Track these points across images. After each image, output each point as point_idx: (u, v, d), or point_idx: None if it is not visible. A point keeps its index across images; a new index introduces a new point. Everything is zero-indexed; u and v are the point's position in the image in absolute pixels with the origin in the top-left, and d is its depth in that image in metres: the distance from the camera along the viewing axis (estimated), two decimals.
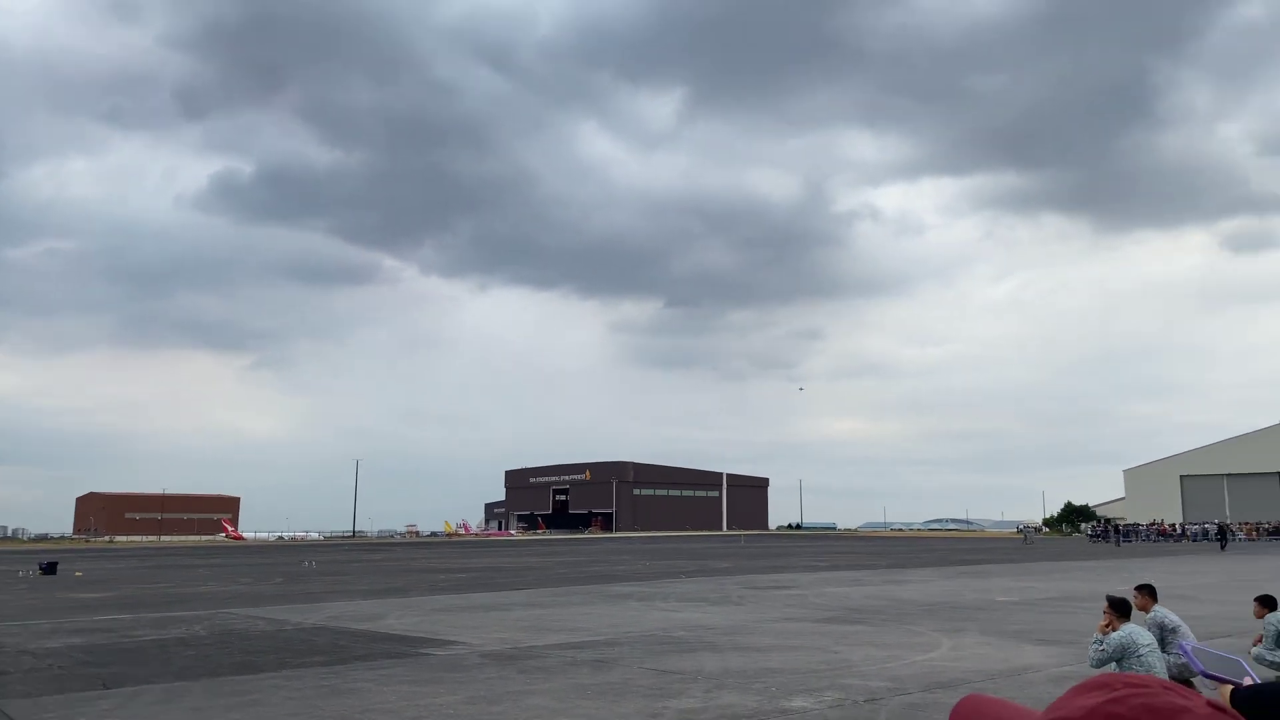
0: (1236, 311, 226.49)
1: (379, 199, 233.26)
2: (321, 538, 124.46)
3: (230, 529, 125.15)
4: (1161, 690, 0.96)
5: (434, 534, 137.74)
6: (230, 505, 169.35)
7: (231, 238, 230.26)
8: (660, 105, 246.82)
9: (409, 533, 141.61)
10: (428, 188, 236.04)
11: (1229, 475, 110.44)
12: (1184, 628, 10.16)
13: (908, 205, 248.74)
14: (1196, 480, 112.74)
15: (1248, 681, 2.44)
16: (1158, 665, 8.35)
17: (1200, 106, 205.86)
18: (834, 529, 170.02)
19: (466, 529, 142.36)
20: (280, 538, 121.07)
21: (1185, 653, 7.69)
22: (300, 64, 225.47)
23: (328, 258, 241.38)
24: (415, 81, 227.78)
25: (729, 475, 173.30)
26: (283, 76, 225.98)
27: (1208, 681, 6.49)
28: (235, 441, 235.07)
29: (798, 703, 10.70)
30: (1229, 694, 2.88)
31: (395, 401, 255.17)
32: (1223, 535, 72.58)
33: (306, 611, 21.93)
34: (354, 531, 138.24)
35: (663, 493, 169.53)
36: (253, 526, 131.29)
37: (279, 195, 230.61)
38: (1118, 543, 79.95)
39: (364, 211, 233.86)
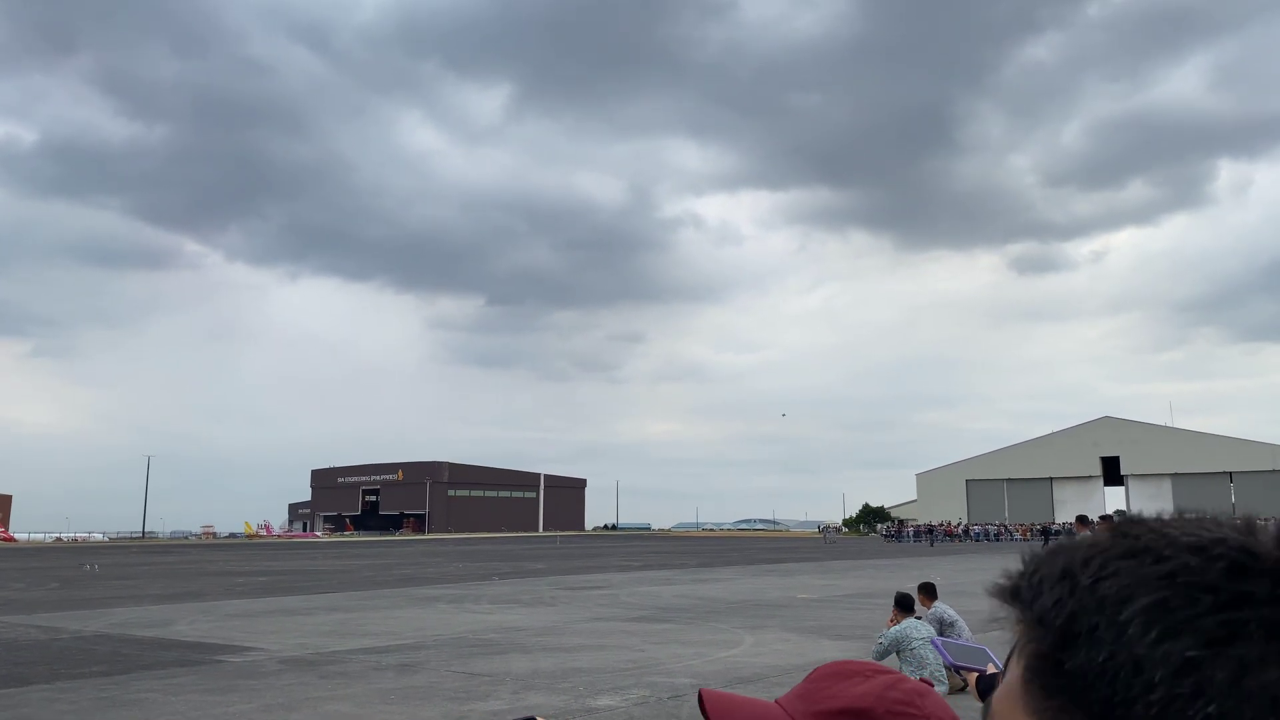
0: (1018, 328, 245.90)
1: (182, 178, 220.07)
2: (107, 539, 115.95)
3: (1, 529, 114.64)
4: (899, 677, 1.10)
5: (233, 535, 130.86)
6: (1, 504, 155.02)
7: (9, 212, 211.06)
8: (487, 100, 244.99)
9: (205, 534, 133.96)
10: (236, 169, 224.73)
11: (1008, 480, 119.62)
12: (960, 622, 10.95)
13: (727, 215, 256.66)
14: (980, 484, 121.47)
15: (991, 669, 2.71)
16: (930, 657, 9.00)
17: (994, 137, 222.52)
18: (649, 529, 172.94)
19: (269, 530, 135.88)
20: (59, 539, 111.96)
21: (936, 646, 8.35)
22: (94, 27, 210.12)
23: (122, 239, 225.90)
24: (225, 57, 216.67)
25: (546, 476, 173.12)
26: (74, 38, 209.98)
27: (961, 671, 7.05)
28: (9, 434, 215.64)
29: (604, 701, 10.85)
30: (974, 680, 3.16)
31: (193, 395, 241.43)
32: (1045, 535, 78.31)
33: (86, 618, 20.40)
34: (144, 533, 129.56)
35: (479, 493, 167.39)
36: (27, 527, 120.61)
37: (68, 168, 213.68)
38: (931, 543, 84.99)
39: (165, 191, 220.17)
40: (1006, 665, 0.69)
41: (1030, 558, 0.71)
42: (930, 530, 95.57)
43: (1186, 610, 0.60)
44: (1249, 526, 0.66)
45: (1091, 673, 0.61)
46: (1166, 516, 0.69)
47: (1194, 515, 0.69)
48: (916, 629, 9.40)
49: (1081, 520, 15.63)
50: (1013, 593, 0.69)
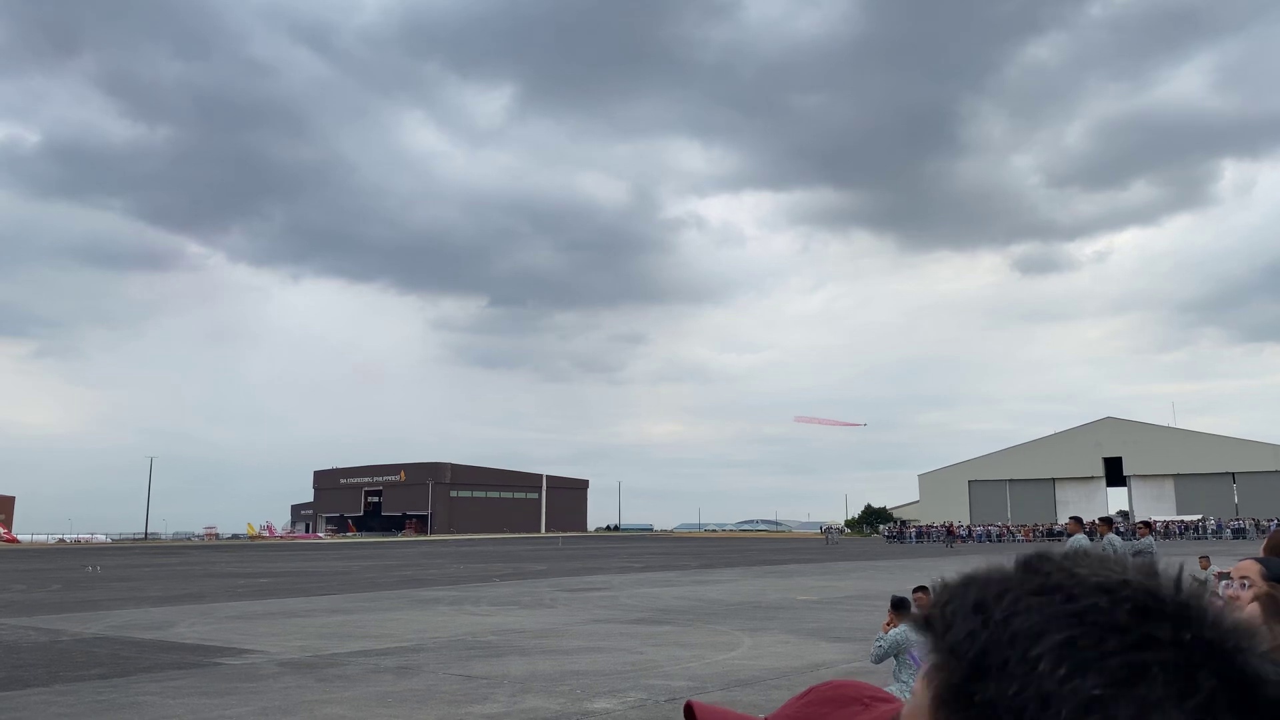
0: (1021, 329, 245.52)
1: (184, 180, 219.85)
2: (109, 540, 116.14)
3: (3, 530, 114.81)
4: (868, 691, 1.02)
5: (235, 536, 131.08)
6: (4, 505, 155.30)
7: (12, 213, 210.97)
8: (490, 101, 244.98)
9: (208, 535, 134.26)
10: (238, 171, 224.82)
11: (1010, 481, 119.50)
12: None
13: (730, 216, 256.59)
14: (982, 485, 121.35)
15: None
16: None
17: (997, 137, 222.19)
18: (651, 530, 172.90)
19: (271, 531, 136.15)
20: (61, 540, 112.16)
21: (914, 660, 8.33)
22: (97, 28, 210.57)
23: (125, 240, 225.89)
24: (227, 58, 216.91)
25: (549, 477, 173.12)
26: (77, 40, 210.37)
27: None
28: (11, 436, 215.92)
29: (601, 704, 10.85)
30: None
31: (196, 397, 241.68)
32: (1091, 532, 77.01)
33: (87, 620, 20.44)
34: (146, 534, 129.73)
35: (481, 494, 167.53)
36: (30, 529, 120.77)
37: (71, 170, 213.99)
38: (949, 544, 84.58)
39: (167, 192, 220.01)
40: (917, 688, 0.70)
41: (943, 587, 0.72)
42: (948, 531, 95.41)
43: (1094, 649, 0.62)
44: (1150, 569, 0.67)
45: (1000, 706, 0.63)
46: (1072, 554, 0.71)
47: (1098, 556, 0.70)
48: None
49: (1076, 521, 15.53)
50: (925, 622, 0.70)
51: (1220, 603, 0.65)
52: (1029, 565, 0.70)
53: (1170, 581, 0.66)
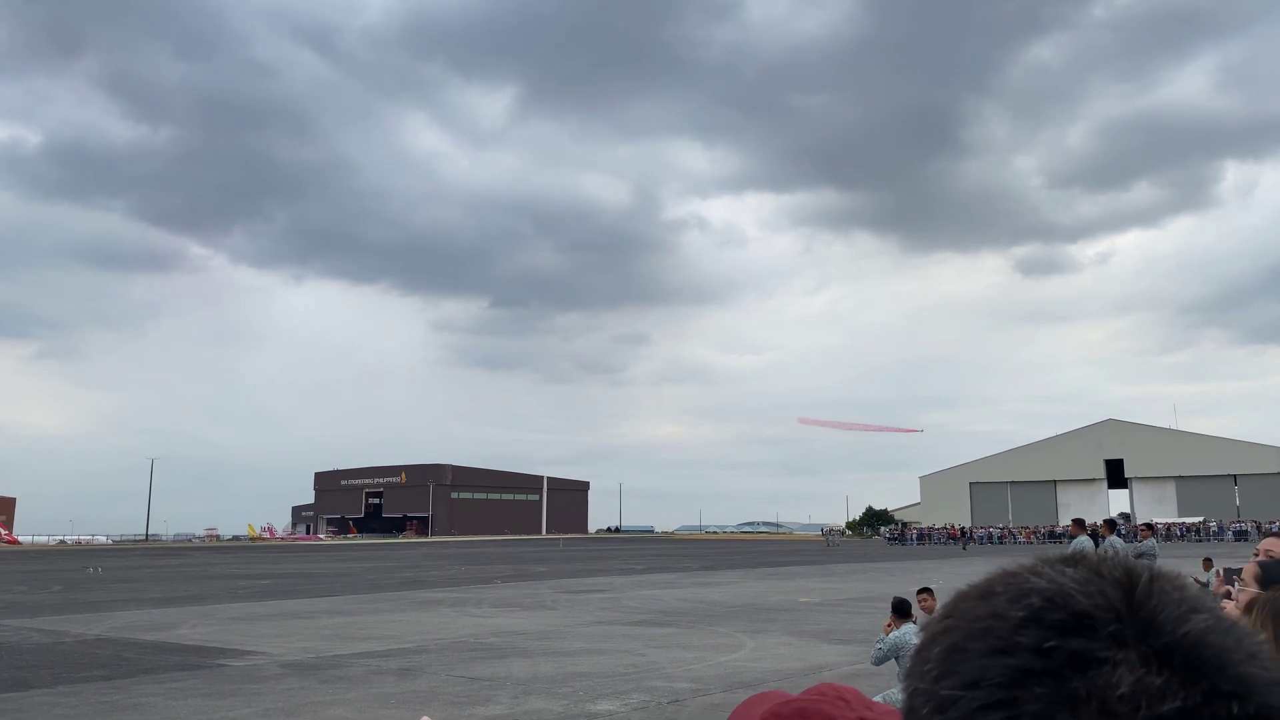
0: (1022, 330, 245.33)
1: (186, 181, 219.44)
2: (110, 542, 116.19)
3: (4, 532, 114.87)
4: (819, 698, 0.98)
5: (236, 538, 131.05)
6: (5, 506, 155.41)
7: (13, 215, 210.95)
8: (492, 102, 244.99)
9: (208, 537, 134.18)
10: (240, 171, 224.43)
11: (1012, 483, 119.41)
12: None
13: (732, 217, 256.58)
14: (984, 487, 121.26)
15: None
16: None
17: (999, 138, 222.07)
18: (652, 532, 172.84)
19: (272, 533, 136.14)
20: (63, 541, 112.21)
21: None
22: (99, 29, 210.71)
23: (127, 241, 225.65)
24: (230, 59, 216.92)
25: (550, 478, 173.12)
26: (80, 41, 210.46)
27: None
28: (13, 437, 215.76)
29: (604, 706, 10.85)
30: None
31: (197, 398, 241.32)
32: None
33: (89, 621, 20.45)
34: (147, 535, 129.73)
35: (481, 496, 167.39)
36: (31, 530, 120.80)
37: (72, 171, 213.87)
38: (964, 546, 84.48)
39: (169, 193, 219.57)
40: None
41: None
42: (964, 533, 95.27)
43: (973, 658, 0.59)
44: (1115, 575, 0.61)
45: (917, 698, 0.62)
46: (1062, 558, 0.66)
47: (1091, 559, 0.64)
48: (916, 634, 9.38)
49: (1078, 524, 15.47)
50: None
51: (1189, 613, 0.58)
52: (1004, 573, 0.66)
53: (1117, 589, 0.59)
